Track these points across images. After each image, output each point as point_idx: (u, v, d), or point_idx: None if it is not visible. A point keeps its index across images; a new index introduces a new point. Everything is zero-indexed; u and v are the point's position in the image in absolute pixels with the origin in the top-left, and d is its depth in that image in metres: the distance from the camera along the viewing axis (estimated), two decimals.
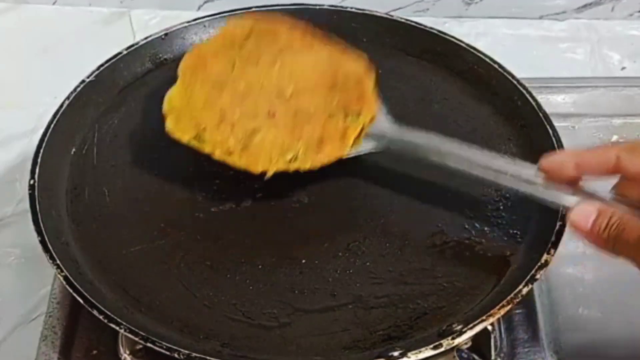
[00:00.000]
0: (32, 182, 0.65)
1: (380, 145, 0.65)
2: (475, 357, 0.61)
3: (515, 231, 0.65)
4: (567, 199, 0.58)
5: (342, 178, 0.69)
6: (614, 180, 0.58)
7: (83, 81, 0.73)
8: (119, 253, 0.64)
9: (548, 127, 0.70)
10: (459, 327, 0.57)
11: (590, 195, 0.57)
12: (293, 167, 0.63)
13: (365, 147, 0.65)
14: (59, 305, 0.66)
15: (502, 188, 0.68)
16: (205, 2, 1.02)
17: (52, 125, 0.69)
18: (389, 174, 0.69)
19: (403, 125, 0.66)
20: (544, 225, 0.63)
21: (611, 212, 0.54)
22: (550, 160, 0.59)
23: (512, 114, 0.73)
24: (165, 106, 0.66)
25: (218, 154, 0.64)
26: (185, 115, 0.65)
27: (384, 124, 0.66)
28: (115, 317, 0.57)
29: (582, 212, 0.55)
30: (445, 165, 0.63)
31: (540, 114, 0.71)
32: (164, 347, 0.55)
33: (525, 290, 0.58)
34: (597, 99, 0.87)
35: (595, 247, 0.55)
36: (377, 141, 0.65)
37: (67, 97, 0.72)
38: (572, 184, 0.58)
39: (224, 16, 0.81)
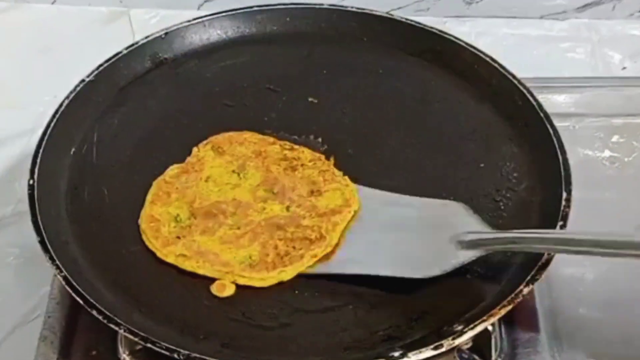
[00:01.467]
0: (31, 182, 0.65)
1: (477, 253, 0.60)
2: (476, 357, 0.61)
3: None
4: None
5: None
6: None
7: (83, 81, 0.73)
8: (119, 253, 0.63)
9: (548, 127, 0.70)
10: (460, 327, 0.57)
11: None
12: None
13: (464, 257, 0.60)
14: (58, 305, 0.66)
15: (503, 188, 0.68)
16: (205, 2, 1.02)
17: (51, 125, 0.69)
18: (389, 175, 0.69)
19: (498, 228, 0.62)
20: (544, 226, 0.63)
21: None
22: None
23: (512, 114, 0.73)
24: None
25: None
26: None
27: (483, 233, 0.62)
28: (115, 317, 0.57)
29: None
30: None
31: (541, 114, 0.71)
32: (164, 347, 0.55)
33: (525, 291, 0.58)
34: (597, 99, 0.87)
35: None
36: (474, 249, 0.60)
37: (67, 97, 0.72)
38: None
39: (224, 15, 0.81)
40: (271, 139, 0.72)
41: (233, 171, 0.69)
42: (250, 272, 0.62)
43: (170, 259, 0.63)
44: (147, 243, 0.64)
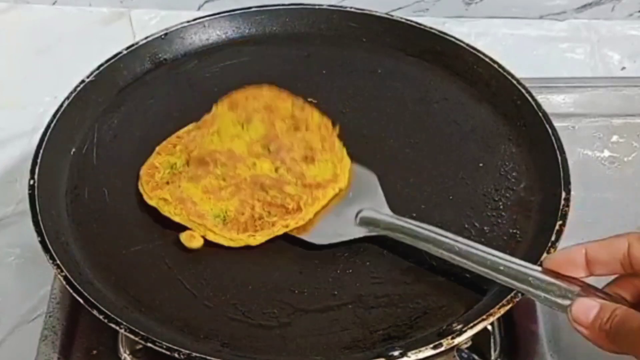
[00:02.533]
0: (32, 182, 0.65)
1: (373, 231, 0.63)
2: (475, 357, 0.61)
3: (515, 231, 0.65)
4: (570, 298, 0.54)
5: None
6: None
7: (83, 81, 0.74)
8: (119, 253, 0.63)
9: (548, 127, 0.70)
10: (459, 326, 0.57)
11: (593, 292, 0.55)
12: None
13: (358, 232, 0.63)
14: (59, 305, 0.66)
15: (502, 187, 0.68)
16: (205, 2, 1.03)
17: (52, 125, 0.69)
18: (388, 176, 0.69)
19: (401, 215, 0.63)
20: (544, 225, 0.63)
21: (614, 306, 0.52)
22: (557, 258, 0.57)
23: (512, 114, 0.73)
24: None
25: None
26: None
27: (379, 214, 0.63)
28: (115, 317, 0.57)
29: (583, 306, 0.53)
30: (440, 256, 0.60)
31: (540, 114, 0.71)
32: (164, 347, 0.55)
33: None
34: (597, 99, 0.88)
35: (594, 342, 0.53)
36: (370, 227, 0.63)
37: (67, 97, 0.72)
38: (575, 281, 0.56)
39: (224, 16, 0.81)
40: (285, 95, 0.71)
41: (239, 122, 0.69)
42: (222, 230, 0.62)
43: (153, 202, 0.64)
44: (139, 188, 0.65)
